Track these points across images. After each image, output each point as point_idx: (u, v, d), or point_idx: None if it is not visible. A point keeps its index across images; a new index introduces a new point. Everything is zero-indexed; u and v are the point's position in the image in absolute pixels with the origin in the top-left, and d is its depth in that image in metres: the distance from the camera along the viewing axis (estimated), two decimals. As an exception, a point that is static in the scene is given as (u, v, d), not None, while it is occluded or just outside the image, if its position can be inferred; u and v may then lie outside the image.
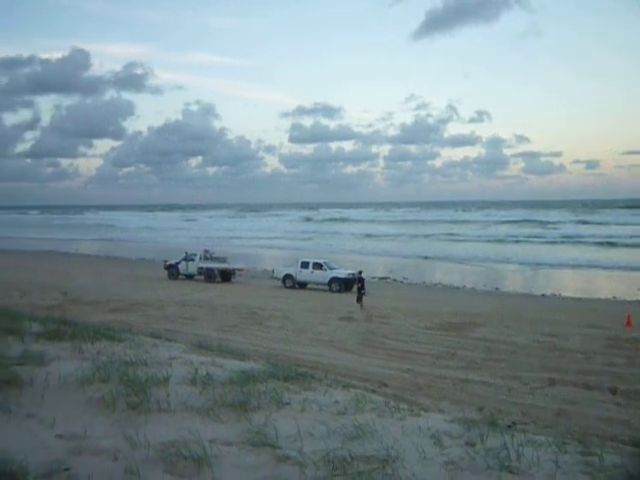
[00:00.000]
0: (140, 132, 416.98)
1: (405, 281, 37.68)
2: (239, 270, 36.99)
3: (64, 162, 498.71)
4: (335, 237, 74.11)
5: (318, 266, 33.55)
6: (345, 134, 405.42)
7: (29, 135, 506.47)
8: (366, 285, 27.16)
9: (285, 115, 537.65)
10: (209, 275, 35.28)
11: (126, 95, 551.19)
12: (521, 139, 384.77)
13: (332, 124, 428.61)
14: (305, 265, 33.68)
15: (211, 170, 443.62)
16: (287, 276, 33.81)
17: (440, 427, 3.35)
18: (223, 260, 37.15)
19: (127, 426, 3.19)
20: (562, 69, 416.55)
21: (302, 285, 33.52)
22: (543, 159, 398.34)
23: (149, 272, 37.63)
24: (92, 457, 2.82)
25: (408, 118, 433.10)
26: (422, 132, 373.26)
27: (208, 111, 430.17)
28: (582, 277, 40.77)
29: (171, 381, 3.97)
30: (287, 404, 3.66)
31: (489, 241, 65.44)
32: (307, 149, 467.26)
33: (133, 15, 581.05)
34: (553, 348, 17.18)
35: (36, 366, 4.26)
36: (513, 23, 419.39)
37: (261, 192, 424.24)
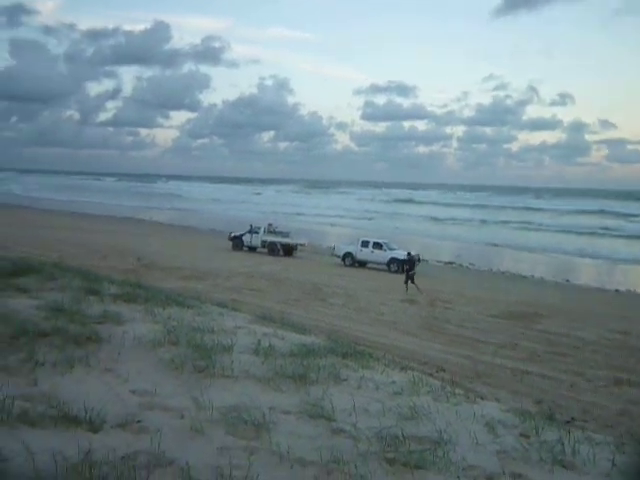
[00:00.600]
0: (215, 105, 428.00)
1: (472, 267, 36.91)
2: (301, 245, 37.31)
3: (143, 132, 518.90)
4: (401, 219, 73.20)
5: (378, 246, 33.43)
6: (418, 113, 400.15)
7: (110, 105, 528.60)
8: (429, 269, 26.74)
9: (358, 92, 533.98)
10: (272, 249, 35.80)
11: (203, 68, 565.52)
12: (606, 124, 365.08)
13: (406, 103, 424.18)
14: (365, 244, 33.61)
15: (282, 145, 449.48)
16: (347, 254, 33.83)
17: (495, 416, 3.35)
18: (286, 235, 37.56)
19: (193, 388, 3.40)
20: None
21: (362, 264, 33.44)
22: (630, 147, 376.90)
23: (215, 242, 38.63)
24: (161, 413, 3.03)
25: (485, 99, 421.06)
26: (499, 114, 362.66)
27: (282, 86, 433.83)
28: (661, 274, 38.63)
29: (235, 349, 4.16)
30: (345, 380, 3.76)
31: (562, 231, 62.77)
32: (379, 127, 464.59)
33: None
34: (623, 346, 16.46)
35: (113, 325, 4.60)
36: (605, 0, 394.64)
37: (330, 169, 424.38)
